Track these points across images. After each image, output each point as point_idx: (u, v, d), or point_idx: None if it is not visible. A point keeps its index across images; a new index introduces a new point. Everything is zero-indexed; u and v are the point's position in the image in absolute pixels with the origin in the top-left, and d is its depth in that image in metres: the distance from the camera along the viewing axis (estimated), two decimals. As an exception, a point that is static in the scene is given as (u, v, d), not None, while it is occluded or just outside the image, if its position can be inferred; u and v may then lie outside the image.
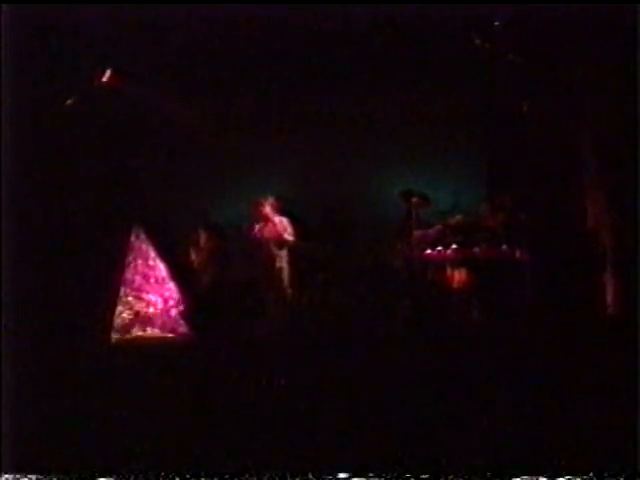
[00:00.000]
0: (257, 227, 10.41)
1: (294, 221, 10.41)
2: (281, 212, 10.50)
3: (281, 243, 10.26)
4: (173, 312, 9.94)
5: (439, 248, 9.95)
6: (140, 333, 9.91)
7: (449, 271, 9.91)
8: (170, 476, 4.74)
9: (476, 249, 9.74)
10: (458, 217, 10.11)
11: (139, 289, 10.05)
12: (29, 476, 4.81)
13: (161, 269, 10.12)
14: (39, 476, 4.77)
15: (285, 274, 10.29)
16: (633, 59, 7.24)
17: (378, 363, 7.17)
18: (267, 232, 10.35)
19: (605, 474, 4.43)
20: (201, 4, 8.43)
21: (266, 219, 10.40)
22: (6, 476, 4.90)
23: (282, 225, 10.34)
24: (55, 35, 8.69)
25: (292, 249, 10.38)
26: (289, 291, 10.34)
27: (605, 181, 9.37)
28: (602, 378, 6.12)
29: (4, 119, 6.77)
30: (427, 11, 8.44)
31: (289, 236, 10.29)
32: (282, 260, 10.27)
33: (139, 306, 10.01)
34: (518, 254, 9.58)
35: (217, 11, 8.50)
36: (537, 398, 5.88)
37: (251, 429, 5.51)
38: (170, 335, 9.88)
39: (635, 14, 7.03)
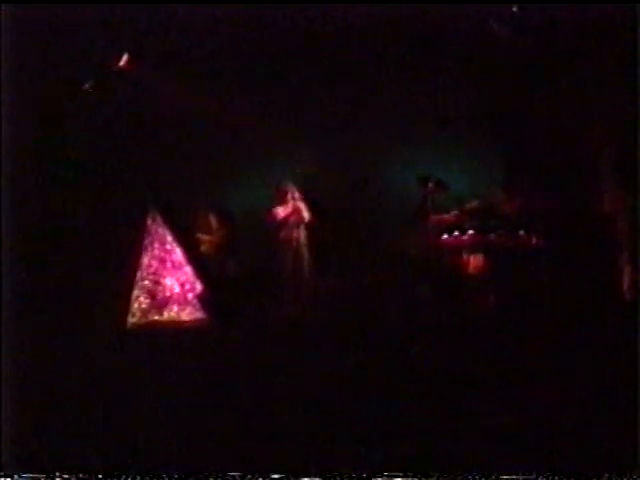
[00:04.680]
0: (278, 210, 10.55)
1: (313, 205, 10.54)
2: (301, 197, 10.63)
3: (300, 224, 10.41)
4: (190, 296, 9.96)
5: (456, 233, 9.95)
6: (157, 317, 9.93)
7: (465, 256, 9.91)
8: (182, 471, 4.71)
9: (492, 235, 9.73)
10: (475, 202, 10.10)
11: (156, 273, 10.06)
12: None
13: (177, 253, 10.12)
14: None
15: (304, 257, 10.41)
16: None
17: (394, 347, 7.19)
18: (288, 213, 10.50)
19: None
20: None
21: (287, 203, 10.55)
22: None
23: (300, 208, 10.50)
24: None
25: (311, 231, 10.51)
26: (307, 274, 10.44)
27: (621, 166, 9.32)
28: (618, 366, 6.11)
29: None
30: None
31: (307, 216, 10.43)
32: (302, 242, 10.41)
33: (156, 290, 10.03)
34: (534, 239, 9.57)
35: None
36: (552, 386, 5.87)
37: (268, 414, 5.54)
38: (187, 319, 9.91)
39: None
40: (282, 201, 10.67)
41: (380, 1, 8.88)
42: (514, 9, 8.94)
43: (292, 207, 10.64)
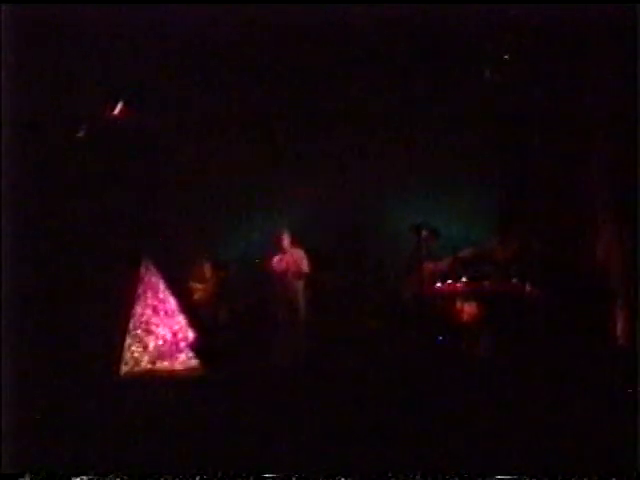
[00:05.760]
0: (275, 259, 10.55)
1: (309, 253, 10.56)
2: (297, 244, 10.65)
3: (299, 274, 10.43)
4: (183, 345, 9.93)
5: (449, 281, 9.94)
6: (150, 366, 9.88)
7: (459, 304, 9.88)
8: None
9: (486, 282, 9.72)
10: (468, 250, 10.11)
11: (148, 322, 10.04)
12: None
13: (171, 302, 10.12)
14: None
15: (300, 306, 10.41)
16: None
17: (389, 393, 7.18)
18: (285, 264, 10.52)
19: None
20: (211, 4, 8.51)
21: (284, 251, 10.55)
22: None
23: (299, 257, 10.50)
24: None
25: (308, 280, 10.53)
26: (303, 322, 10.43)
27: (614, 215, 9.37)
28: (612, 412, 6.10)
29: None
30: (439, 45, 8.59)
31: (305, 268, 10.45)
32: (299, 292, 10.42)
33: (148, 339, 9.99)
34: (528, 287, 9.55)
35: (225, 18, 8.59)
36: (545, 434, 5.86)
37: (266, 461, 5.50)
38: (180, 368, 9.87)
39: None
40: (278, 248, 10.66)
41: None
42: (505, 57, 9.05)
43: (288, 256, 10.60)
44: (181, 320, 10.12)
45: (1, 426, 5.35)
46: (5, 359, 6.37)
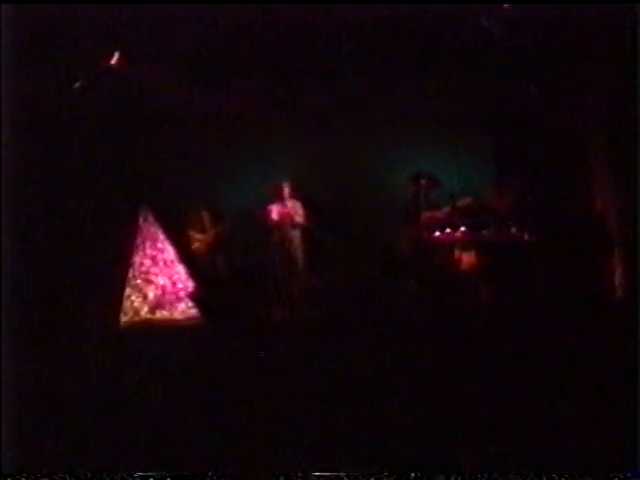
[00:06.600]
0: (272, 209, 10.56)
1: (306, 204, 10.58)
2: (295, 195, 10.68)
3: (293, 224, 10.45)
4: (182, 294, 9.97)
5: (448, 230, 9.93)
6: (149, 316, 9.93)
7: (457, 253, 9.88)
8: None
9: (485, 231, 9.71)
10: (467, 199, 10.09)
11: (148, 272, 10.08)
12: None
13: (169, 251, 10.14)
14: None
15: (298, 256, 10.44)
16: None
17: (387, 345, 7.19)
18: (281, 214, 10.52)
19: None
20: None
21: (281, 201, 10.57)
22: None
23: (294, 207, 10.52)
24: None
25: (304, 231, 10.55)
26: (301, 273, 10.47)
27: (612, 163, 9.35)
28: (607, 363, 6.13)
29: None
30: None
31: (300, 218, 10.46)
32: (295, 242, 10.45)
33: (148, 289, 10.03)
34: (527, 236, 9.56)
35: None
36: (542, 385, 5.88)
37: (261, 411, 5.54)
38: (179, 317, 9.91)
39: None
40: (277, 198, 10.68)
41: (377, 1, 8.86)
42: (505, 6, 8.96)
43: (286, 206, 10.63)
44: (180, 270, 10.13)
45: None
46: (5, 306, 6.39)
